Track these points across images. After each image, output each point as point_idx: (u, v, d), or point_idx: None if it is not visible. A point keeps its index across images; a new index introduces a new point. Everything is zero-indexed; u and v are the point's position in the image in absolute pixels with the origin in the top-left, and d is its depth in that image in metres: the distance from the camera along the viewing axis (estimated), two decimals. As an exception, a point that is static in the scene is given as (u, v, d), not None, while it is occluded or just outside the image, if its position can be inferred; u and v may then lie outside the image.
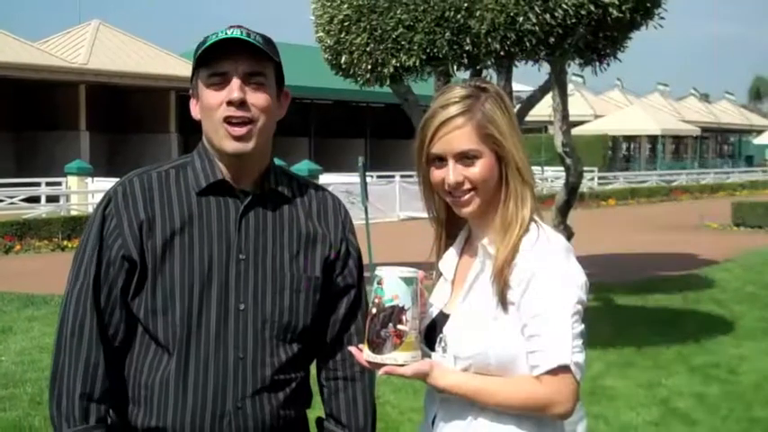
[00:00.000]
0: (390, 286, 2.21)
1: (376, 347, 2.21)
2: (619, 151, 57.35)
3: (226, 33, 2.35)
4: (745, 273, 14.81)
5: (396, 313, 2.19)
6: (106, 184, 22.07)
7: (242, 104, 2.34)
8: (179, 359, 2.34)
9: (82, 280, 2.37)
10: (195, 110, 2.45)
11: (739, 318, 10.90)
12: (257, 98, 2.36)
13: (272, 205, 2.47)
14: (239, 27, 2.38)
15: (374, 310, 2.22)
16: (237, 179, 2.43)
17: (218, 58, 2.35)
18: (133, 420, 2.38)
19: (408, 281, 2.21)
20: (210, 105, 2.36)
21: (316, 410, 2.56)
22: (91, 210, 21.30)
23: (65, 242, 17.84)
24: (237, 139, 2.35)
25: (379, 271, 2.24)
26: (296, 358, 2.43)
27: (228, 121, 2.35)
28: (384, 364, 2.20)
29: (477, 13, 8.38)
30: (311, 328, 2.46)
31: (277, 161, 2.63)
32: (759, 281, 13.82)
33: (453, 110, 2.27)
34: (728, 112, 69.35)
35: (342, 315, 2.55)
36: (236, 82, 2.34)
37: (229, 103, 2.34)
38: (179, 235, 2.38)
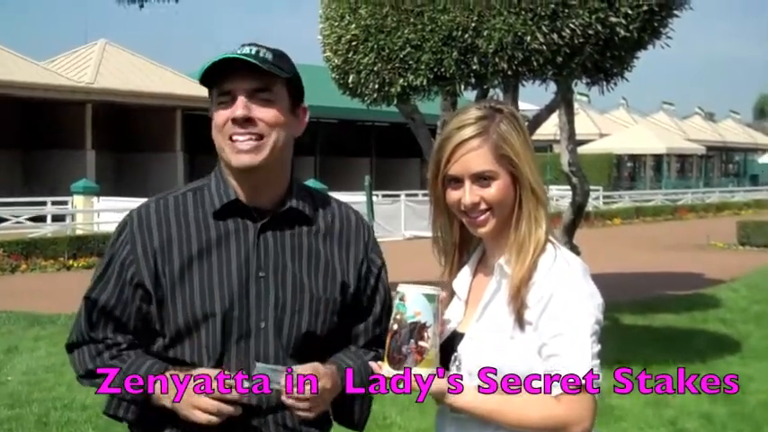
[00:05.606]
0: (413, 303, 2.21)
1: (396, 363, 2.21)
2: (624, 170, 57.32)
3: (235, 53, 2.34)
4: (752, 292, 14.75)
5: (417, 329, 2.19)
6: (112, 203, 22.09)
7: (247, 121, 2.34)
8: None
9: (94, 298, 2.43)
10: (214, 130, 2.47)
11: (746, 337, 10.87)
12: (264, 113, 2.36)
13: (291, 226, 2.46)
14: (251, 45, 2.39)
15: (395, 327, 2.22)
16: (253, 197, 2.43)
17: (224, 77, 2.36)
18: None
19: (430, 298, 2.22)
20: (217, 124, 2.39)
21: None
22: (97, 229, 21.32)
23: (71, 261, 17.81)
24: (243, 152, 2.36)
25: (402, 287, 2.25)
26: None
27: (232, 138, 2.36)
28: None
29: (485, 33, 8.40)
30: (331, 347, 2.45)
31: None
32: (765, 300, 13.75)
33: (469, 131, 2.28)
34: (733, 131, 69.34)
35: (365, 332, 2.54)
36: (240, 100, 2.34)
37: (234, 121, 2.35)
38: (197, 259, 2.39)
